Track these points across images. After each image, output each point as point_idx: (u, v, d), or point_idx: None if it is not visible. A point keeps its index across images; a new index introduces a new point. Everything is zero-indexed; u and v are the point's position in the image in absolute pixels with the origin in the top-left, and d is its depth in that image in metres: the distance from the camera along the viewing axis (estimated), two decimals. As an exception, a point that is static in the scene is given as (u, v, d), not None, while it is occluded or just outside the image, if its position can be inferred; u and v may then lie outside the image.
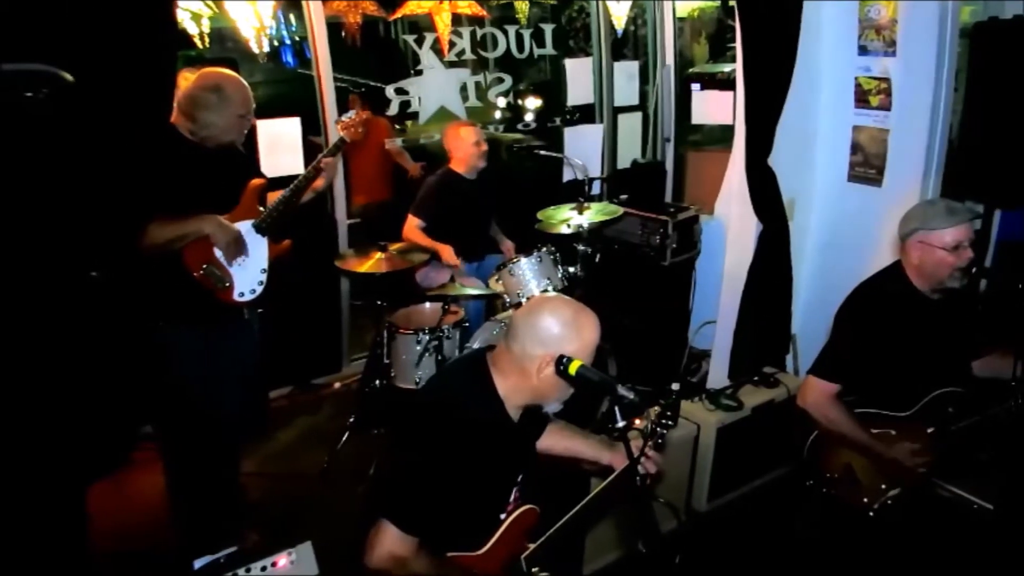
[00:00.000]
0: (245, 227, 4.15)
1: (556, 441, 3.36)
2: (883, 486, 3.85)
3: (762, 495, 5.14)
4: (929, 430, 3.81)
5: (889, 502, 3.83)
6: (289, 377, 6.51)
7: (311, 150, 5.92)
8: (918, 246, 3.77)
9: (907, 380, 3.87)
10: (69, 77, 3.04)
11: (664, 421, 3.07)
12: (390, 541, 2.72)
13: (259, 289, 4.21)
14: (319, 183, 4.42)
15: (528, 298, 5.18)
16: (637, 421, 4.13)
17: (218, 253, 4.05)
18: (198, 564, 3.41)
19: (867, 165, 5.49)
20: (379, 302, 5.51)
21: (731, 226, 5.96)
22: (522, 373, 2.80)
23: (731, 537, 4.78)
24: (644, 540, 2.77)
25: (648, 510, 2.75)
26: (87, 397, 3.57)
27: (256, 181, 4.26)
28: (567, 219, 5.68)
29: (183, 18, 5.55)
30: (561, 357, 2.65)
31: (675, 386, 4.90)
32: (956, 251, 3.67)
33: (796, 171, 5.62)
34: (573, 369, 2.65)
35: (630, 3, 7.56)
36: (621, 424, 2.61)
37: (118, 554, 4.35)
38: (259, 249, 4.21)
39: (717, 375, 5.95)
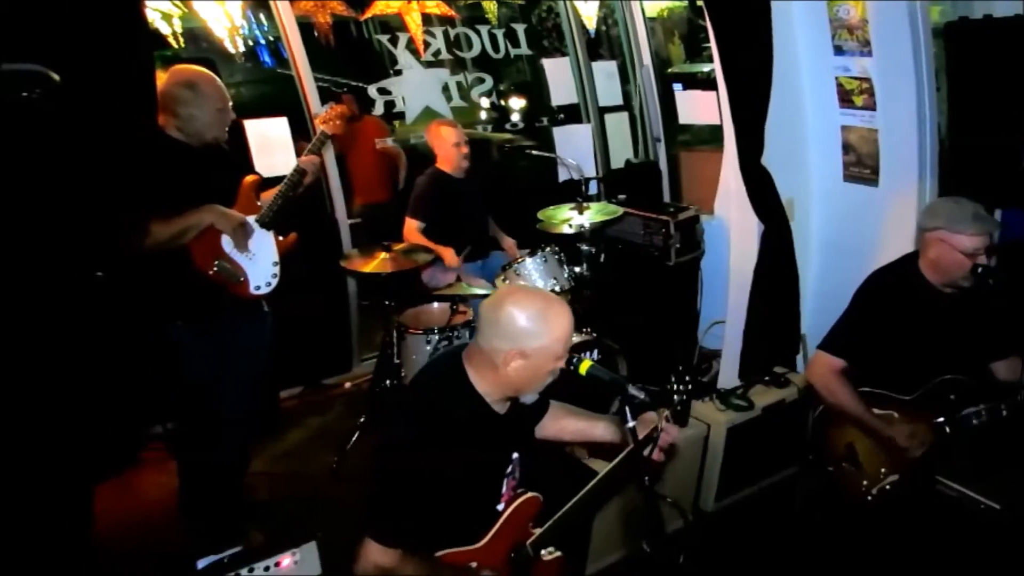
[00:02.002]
0: (250, 221, 4.14)
1: (565, 425, 3.36)
2: (883, 471, 3.96)
3: (769, 495, 5.14)
4: (937, 420, 3.87)
5: (888, 487, 3.94)
6: (300, 377, 6.48)
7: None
8: (938, 243, 3.83)
9: (911, 365, 3.93)
10: (57, 77, 3.00)
11: (682, 387, 3.05)
12: (373, 553, 2.73)
13: (274, 281, 4.19)
14: (307, 179, 4.40)
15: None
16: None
17: (226, 246, 4.04)
18: (201, 564, 3.40)
19: (861, 165, 5.50)
20: (387, 302, 5.45)
21: (732, 226, 5.95)
22: (493, 368, 2.78)
23: (736, 537, 4.78)
24: (649, 540, 2.78)
25: (655, 509, 2.76)
26: (94, 397, 3.53)
27: (250, 177, 4.26)
28: (568, 219, 5.66)
29: (154, 18, 5.45)
30: (571, 357, 2.67)
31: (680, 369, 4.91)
32: (972, 256, 3.74)
33: (790, 171, 5.61)
34: (583, 369, 2.69)
35: (598, 3, 7.57)
36: (632, 424, 2.64)
37: (124, 553, 4.32)
38: (266, 243, 4.20)
39: (728, 375, 5.92)
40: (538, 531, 3.06)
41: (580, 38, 7.70)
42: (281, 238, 4.25)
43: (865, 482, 4.00)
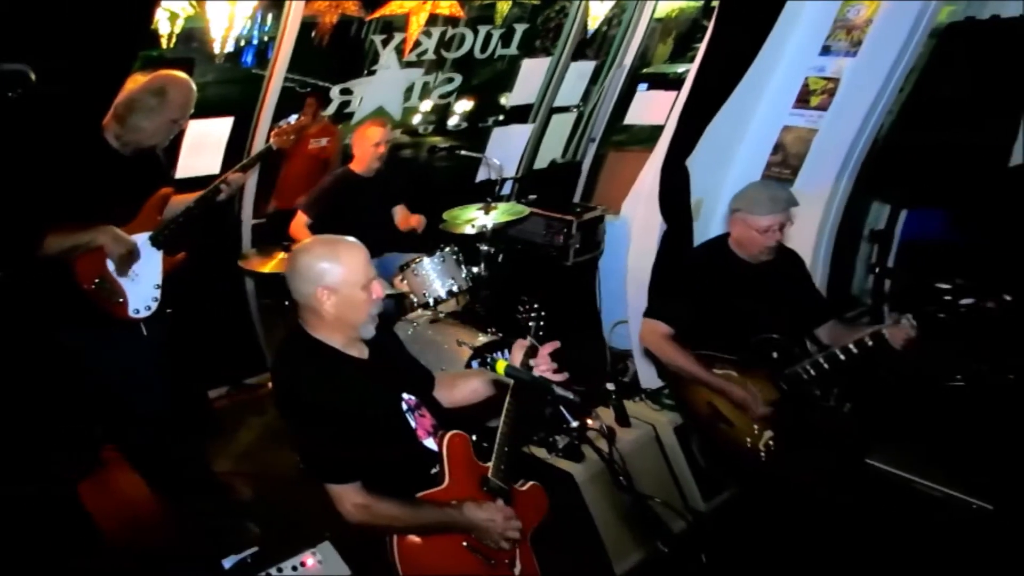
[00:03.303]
0: (141, 239, 4.05)
1: (460, 390, 3.52)
2: (755, 428, 4.37)
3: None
4: (774, 377, 4.36)
5: (771, 444, 4.33)
6: (222, 377, 6.33)
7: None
8: (739, 223, 4.43)
9: (732, 329, 4.41)
10: (33, 76, 3.10)
11: (535, 315, 3.43)
12: (342, 496, 2.93)
13: (154, 305, 4.10)
14: (221, 197, 4.35)
15: (434, 299, 5.25)
16: (589, 421, 4.29)
17: (110, 265, 3.95)
18: (227, 564, 3.45)
19: (784, 165, 5.54)
20: (286, 302, 5.35)
21: (635, 226, 5.96)
22: (318, 315, 3.03)
23: (744, 533, 4.67)
24: (662, 540, 2.94)
25: (646, 507, 3.01)
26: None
27: (163, 191, 4.17)
28: (472, 219, 5.63)
29: (160, 17, 5.49)
30: (485, 358, 2.72)
31: (610, 386, 4.86)
32: (766, 234, 4.32)
33: (710, 171, 5.62)
34: (500, 369, 2.82)
35: (612, 3, 7.36)
36: (575, 424, 2.66)
37: (131, 551, 4.32)
38: (153, 263, 4.11)
39: (647, 374, 5.80)
40: (489, 465, 3.20)
41: (575, 38, 7.50)
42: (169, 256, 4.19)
43: (748, 439, 4.38)
